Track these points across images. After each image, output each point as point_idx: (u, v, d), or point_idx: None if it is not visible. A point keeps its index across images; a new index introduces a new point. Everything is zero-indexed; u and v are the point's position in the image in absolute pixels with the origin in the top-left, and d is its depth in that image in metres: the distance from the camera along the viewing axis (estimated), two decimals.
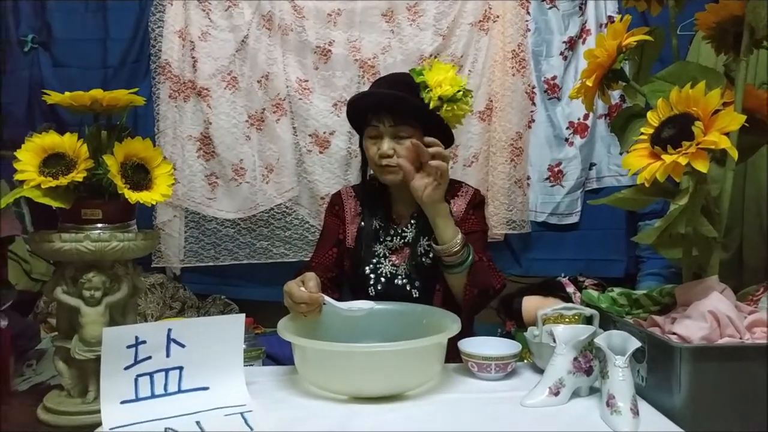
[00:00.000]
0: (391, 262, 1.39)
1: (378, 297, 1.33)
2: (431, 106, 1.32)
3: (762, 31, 1.01)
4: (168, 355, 0.97)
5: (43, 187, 0.94)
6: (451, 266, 1.27)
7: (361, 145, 1.43)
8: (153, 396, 0.96)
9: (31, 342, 1.63)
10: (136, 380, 0.95)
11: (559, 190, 2.23)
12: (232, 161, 2.18)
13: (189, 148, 2.18)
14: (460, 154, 2.20)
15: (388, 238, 1.40)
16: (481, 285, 1.28)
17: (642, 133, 0.98)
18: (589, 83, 1.08)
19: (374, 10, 2.19)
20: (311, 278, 1.15)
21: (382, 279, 1.38)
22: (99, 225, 1.00)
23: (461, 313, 1.28)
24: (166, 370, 0.97)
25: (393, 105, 1.32)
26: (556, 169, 2.23)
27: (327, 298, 1.15)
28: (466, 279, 1.27)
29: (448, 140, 1.40)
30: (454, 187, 1.44)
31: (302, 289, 1.14)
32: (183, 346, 0.98)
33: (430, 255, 1.35)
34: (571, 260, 2.22)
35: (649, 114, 0.98)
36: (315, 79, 2.19)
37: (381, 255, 1.39)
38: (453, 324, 1.09)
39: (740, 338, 0.96)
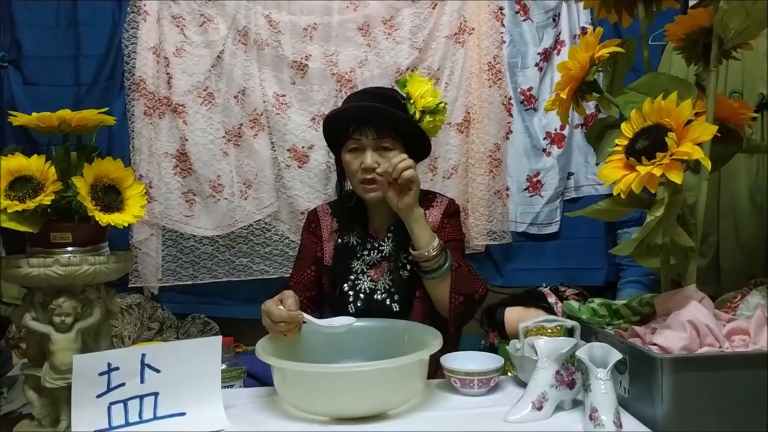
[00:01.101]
0: (369, 278, 1.37)
1: (358, 313, 1.31)
2: (416, 117, 1.34)
3: (730, 42, 1.02)
4: (142, 381, 0.95)
5: (9, 211, 0.92)
6: (430, 272, 1.27)
7: (337, 162, 1.42)
8: (127, 424, 0.93)
9: (2, 368, 1.58)
10: (109, 408, 0.92)
11: (538, 200, 2.24)
12: (209, 178, 2.15)
13: (165, 166, 2.15)
14: (440, 166, 2.20)
15: (366, 253, 1.38)
16: (465, 290, 1.27)
17: (617, 145, 0.98)
18: (564, 95, 1.09)
19: (350, 24, 2.19)
20: (289, 296, 1.13)
21: (362, 295, 1.36)
22: (69, 249, 0.97)
23: (446, 325, 1.27)
24: (141, 397, 0.95)
25: (377, 117, 1.31)
26: (534, 179, 2.24)
27: (306, 316, 1.14)
28: (450, 286, 1.27)
29: (426, 150, 1.41)
30: (428, 198, 1.45)
31: (280, 307, 1.12)
32: (158, 371, 0.96)
33: (408, 267, 1.34)
34: (552, 269, 2.22)
35: (623, 125, 0.99)
36: (292, 93, 2.18)
37: (359, 271, 1.38)
38: (435, 340, 1.08)
39: (720, 347, 0.96)
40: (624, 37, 1.17)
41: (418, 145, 1.39)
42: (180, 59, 2.14)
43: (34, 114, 0.98)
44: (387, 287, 1.36)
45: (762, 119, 1.55)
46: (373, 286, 1.36)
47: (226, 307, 2.23)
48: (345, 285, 1.36)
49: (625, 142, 0.97)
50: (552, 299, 1.89)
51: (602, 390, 0.92)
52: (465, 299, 1.28)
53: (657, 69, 1.83)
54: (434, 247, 1.25)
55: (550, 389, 1.00)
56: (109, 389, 0.92)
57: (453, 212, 1.44)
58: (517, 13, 2.24)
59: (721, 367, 0.93)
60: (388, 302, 1.35)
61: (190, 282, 2.20)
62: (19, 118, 0.99)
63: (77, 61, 2.17)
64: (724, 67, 1.45)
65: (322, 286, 1.42)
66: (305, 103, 2.18)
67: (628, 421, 0.95)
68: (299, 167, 2.18)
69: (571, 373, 1.01)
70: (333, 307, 1.39)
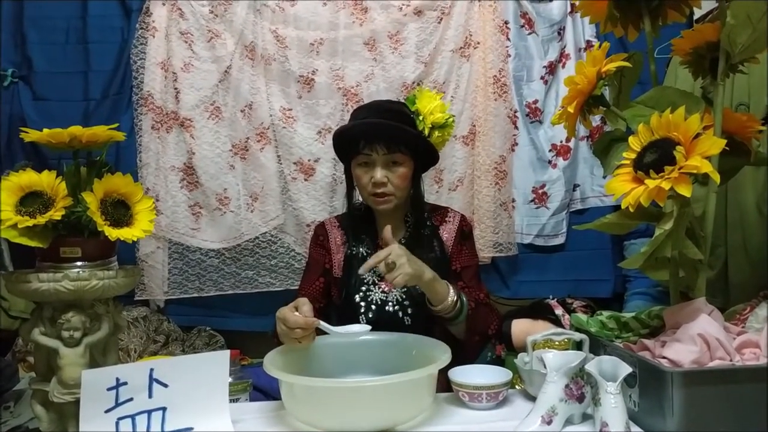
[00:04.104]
0: (380, 289, 1.37)
1: (369, 325, 1.31)
2: (425, 132, 1.36)
3: (737, 56, 1.03)
4: (150, 396, 0.95)
5: (19, 226, 0.92)
6: (450, 319, 1.27)
7: (346, 173, 1.43)
8: None
9: (8, 383, 1.58)
10: (117, 423, 0.92)
11: (544, 212, 2.24)
12: (216, 191, 2.16)
13: (172, 179, 2.17)
14: (446, 178, 2.21)
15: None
16: (481, 329, 1.32)
17: (624, 158, 0.98)
18: (571, 110, 1.09)
19: (356, 38, 2.21)
20: (305, 303, 1.14)
21: (373, 306, 1.36)
22: (78, 263, 0.97)
23: (455, 339, 1.28)
24: (149, 412, 0.95)
25: (388, 134, 1.32)
26: (540, 191, 2.24)
27: (322, 323, 1.14)
28: (466, 326, 1.29)
29: (433, 161, 1.44)
30: (440, 213, 1.47)
31: (296, 314, 1.12)
32: (166, 385, 0.96)
33: None
34: (558, 281, 2.22)
35: (630, 139, 0.99)
36: (299, 107, 2.20)
37: (370, 282, 1.38)
38: (443, 354, 1.07)
39: (730, 360, 0.95)
40: (630, 51, 1.17)
41: (427, 158, 1.40)
42: (188, 74, 2.17)
43: (45, 131, 0.98)
44: (399, 300, 1.36)
45: None
46: (384, 298, 1.37)
47: (231, 320, 2.23)
48: (356, 296, 1.37)
49: (633, 156, 0.97)
50: (559, 311, 1.89)
51: (612, 404, 0.91)
52: (480, 337, 1.33)
53: (662, 82, 1.83)
54: (451, 300, 1.24)
55: (560, 403, 0.99)
56: (117, 404, 0.92)
57: (469, 233, 1.47)
58: (522, 27, 2.25)
59: (732, 380, 0.92)
60: (400, 315, 1.35)
61: (196, 295, 2.20)
62: (30, 135, 1.00)
63: (86, 76, 2.20)
64: (731, 79, 1.46)
65: (330, 298, 1.42)
66: (311, 117, 2.20)
67: None
68: (305, 180, 2.19)
69: (581, 387, 1.00)
70: (342, 319, 1.39)
